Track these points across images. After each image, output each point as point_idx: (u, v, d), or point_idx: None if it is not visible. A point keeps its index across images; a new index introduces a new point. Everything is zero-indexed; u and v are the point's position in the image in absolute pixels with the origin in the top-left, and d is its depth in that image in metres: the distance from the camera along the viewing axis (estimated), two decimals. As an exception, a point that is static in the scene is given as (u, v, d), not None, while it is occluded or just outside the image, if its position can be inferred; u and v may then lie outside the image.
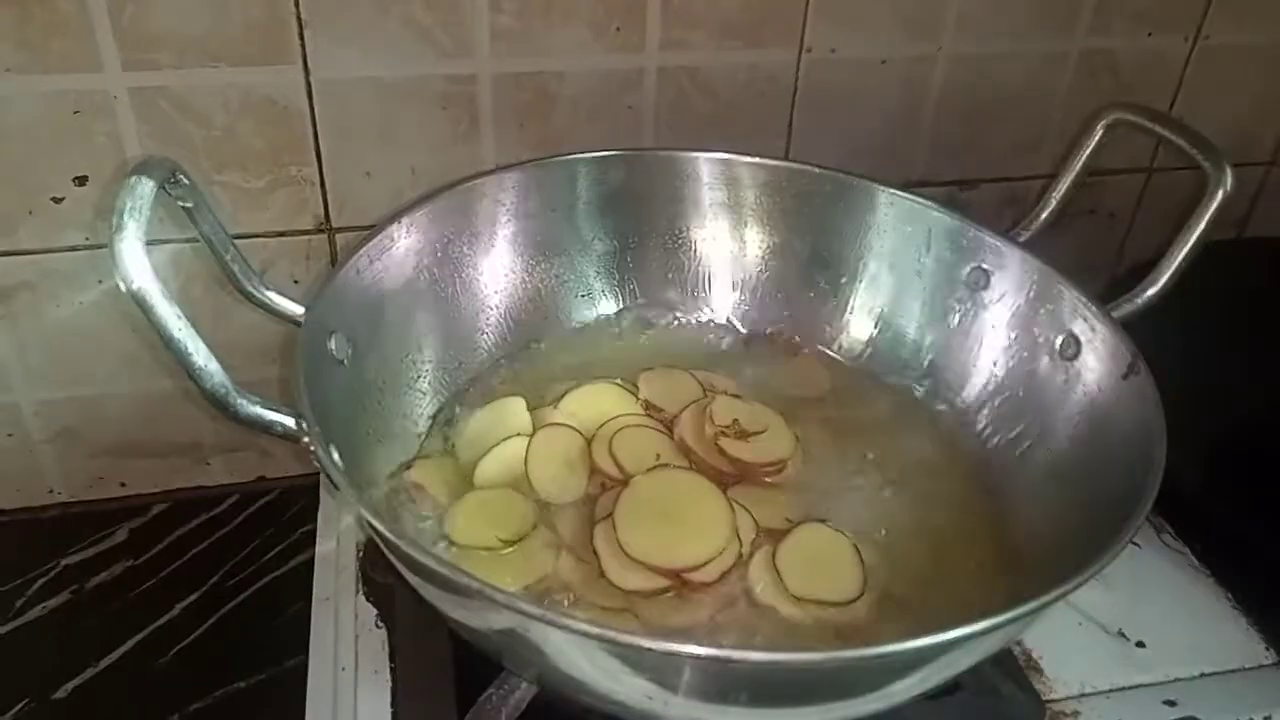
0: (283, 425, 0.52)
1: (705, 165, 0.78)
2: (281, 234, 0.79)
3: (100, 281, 0.77)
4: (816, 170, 0.77)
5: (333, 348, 0.61)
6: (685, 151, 0.78)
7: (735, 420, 0.67)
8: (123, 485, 0.88)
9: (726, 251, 0.80)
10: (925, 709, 0.54)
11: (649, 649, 0.42)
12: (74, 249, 0.76)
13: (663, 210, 0.79)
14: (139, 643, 0.77)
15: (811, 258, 0.79)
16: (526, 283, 0.77)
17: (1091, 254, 0.97)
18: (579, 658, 0.47)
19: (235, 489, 0.89)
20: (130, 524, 0.86)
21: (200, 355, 0.49)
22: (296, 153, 0.77)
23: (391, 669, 0.65)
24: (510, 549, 0.61)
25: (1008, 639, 0.54)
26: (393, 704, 0.63)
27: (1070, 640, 0.69)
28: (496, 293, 0.75)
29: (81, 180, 0.74)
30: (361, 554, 0.73)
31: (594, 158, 0.76)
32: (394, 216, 0.68)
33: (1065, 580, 0.47)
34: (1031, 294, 0.69)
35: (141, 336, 0.80)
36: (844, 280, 0.78)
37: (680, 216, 0.79)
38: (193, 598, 0.80)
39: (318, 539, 0.75)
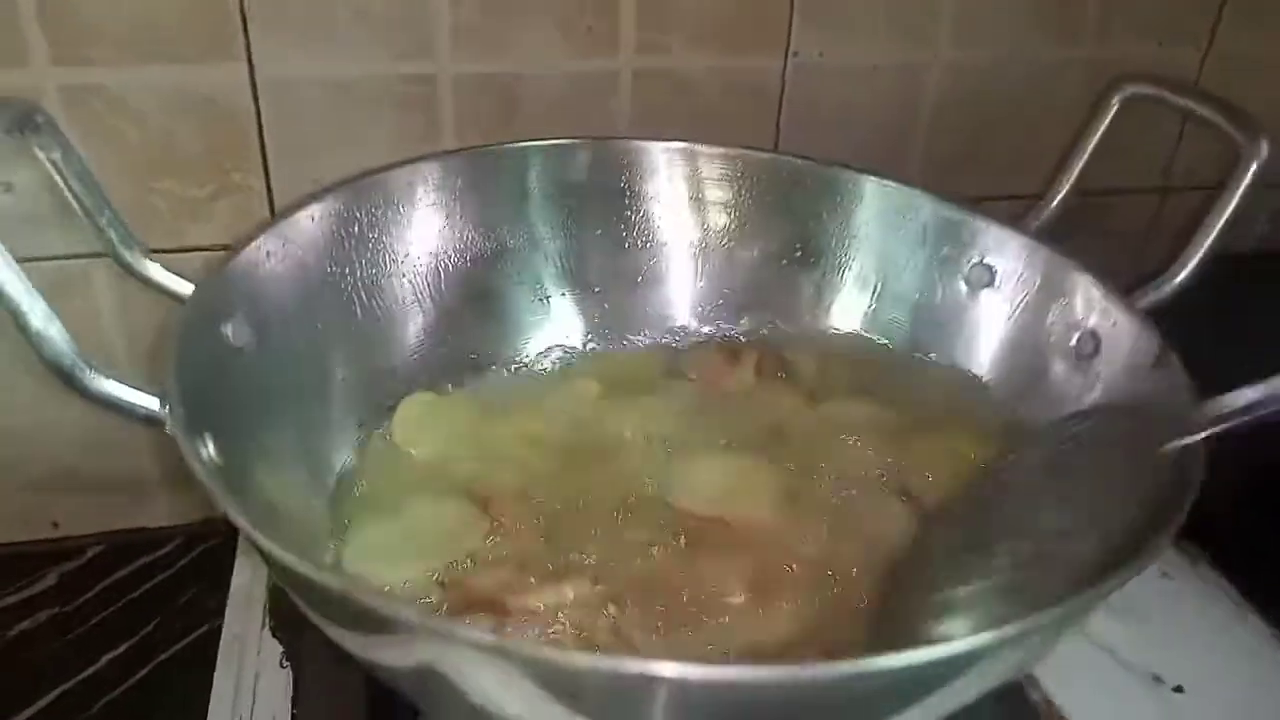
0: (144, 408, 0.45)
1: (667, 156, 0.72)
2: (226, 247, 0.73)
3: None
4: (795, 160, 0.72)
5: (229, 332, 0.54)
6: (647, 141, 0.73)
7: None
8: (55, 525, 0.80)
9: (696, 249, 0.74)
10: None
11: (583, 669, 0.34)
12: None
13: (624, 204, 0.73)
14: (61, 696, 0.69)
15: (793, 255, 0.73)
16: (471, 282, 0.70)
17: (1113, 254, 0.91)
18: (497, 688, 0.38)
19: (180, 530, 0.81)
20: (61, 568, 0.78)
21: (37, 316, 0.43)
22: (241, 158, 0.71)
23: (292, 715, 0.58)
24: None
25: (1000, 676, 0.45)
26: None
27: (1098, 685, 0.61)
28: (438, 291, 0.69)
29: (8, 187, 0.68)
30: (271, 584, 0.66)
31: (547, 146, 0.71)
32: (316, 194, 0.62)
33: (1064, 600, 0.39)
34: (1042, 287, 0.63)
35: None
36: (829, 279, 0.72)
37: (643, 210, 0.73)
38: (123, 648, 0.72)
39: (234, 570, 0.68)
